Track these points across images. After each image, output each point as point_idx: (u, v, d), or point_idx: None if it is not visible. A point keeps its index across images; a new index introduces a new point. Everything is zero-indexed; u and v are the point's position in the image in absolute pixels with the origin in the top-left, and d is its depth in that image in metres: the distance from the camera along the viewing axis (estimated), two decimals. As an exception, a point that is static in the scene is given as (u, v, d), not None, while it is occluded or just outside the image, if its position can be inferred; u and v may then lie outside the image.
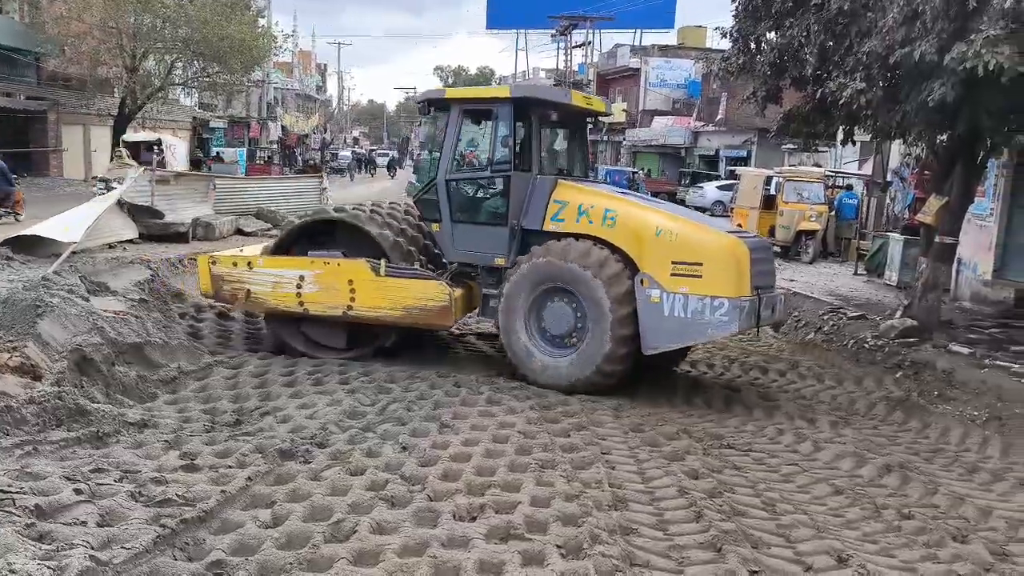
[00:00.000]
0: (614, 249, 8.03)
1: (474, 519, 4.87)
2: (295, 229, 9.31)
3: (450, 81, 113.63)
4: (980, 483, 6.41)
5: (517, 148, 8.61)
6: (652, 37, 53.49)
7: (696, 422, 7.55)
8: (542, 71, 62.93)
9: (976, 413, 7.96)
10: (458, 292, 8.55)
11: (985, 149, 9.98)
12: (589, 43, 51.43)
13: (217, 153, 38.05)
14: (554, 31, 50.37)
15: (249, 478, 5.24)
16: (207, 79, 26.31)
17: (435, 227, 8.97)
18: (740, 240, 7.84)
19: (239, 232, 17.73)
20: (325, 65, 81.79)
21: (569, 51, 50.06)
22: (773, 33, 10.53)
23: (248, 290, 9.07)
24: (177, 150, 29.44)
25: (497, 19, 61.05)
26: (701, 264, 7.60)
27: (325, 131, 72.50)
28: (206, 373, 8.03)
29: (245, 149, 41.86)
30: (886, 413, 8.18)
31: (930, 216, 10.92)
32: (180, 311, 10.42)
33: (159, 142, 28.41)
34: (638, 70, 48.16)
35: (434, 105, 8.99)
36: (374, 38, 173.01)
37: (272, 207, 19.94)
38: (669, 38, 53.17)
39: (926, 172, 15.45)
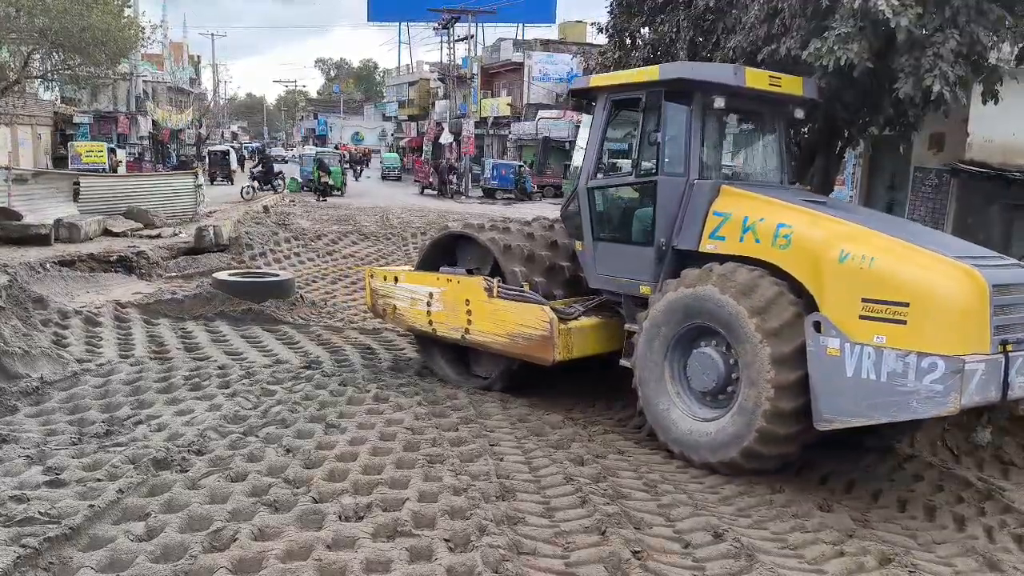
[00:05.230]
0: (786, 279, 6.03)
1: (361, 518, 4.82)
2: (429, 246, 8.96)
3: (332, 74, 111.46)
4: (846, 457, 6.84)
5: (670, 145, 6.91)
6: (534, 32, 54.32)
7: (583, 408, 7.71)
8: (426, 64, 62.65)
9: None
10: (574, 324, 7.23)
11: (843, 140, 10.60)
12: (472, 37, 51.55)
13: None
14: (436, 24, 50.25)
15: (120, 490, 4.99)
16: (68, 72, 24.77)
17: (578, 245, 7.66)
18: (974, 270, 5.37)
19: (107, 233, 16.89)
20: (199, 57, 78.53)
21: (452, 45, 50.05)
22: (646, 29, 10.83)
23: (394, 305, 8.79)
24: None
25: (379, 11, 60.47)
26: (907, 304, 5.32)
27: (200, 126, 69.64)
28: (73, 382, 7.60)
29: (114, 145, 39.75)
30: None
31: (795, 204, 11.46)
32: (43, 318, 9.81)
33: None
34: (521, 64, 48.66)
35: (582, 97, 7.78)
36: (251, 28, 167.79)
37: (144, 206, 19.11)
38: (551, 33, 54.09)
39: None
